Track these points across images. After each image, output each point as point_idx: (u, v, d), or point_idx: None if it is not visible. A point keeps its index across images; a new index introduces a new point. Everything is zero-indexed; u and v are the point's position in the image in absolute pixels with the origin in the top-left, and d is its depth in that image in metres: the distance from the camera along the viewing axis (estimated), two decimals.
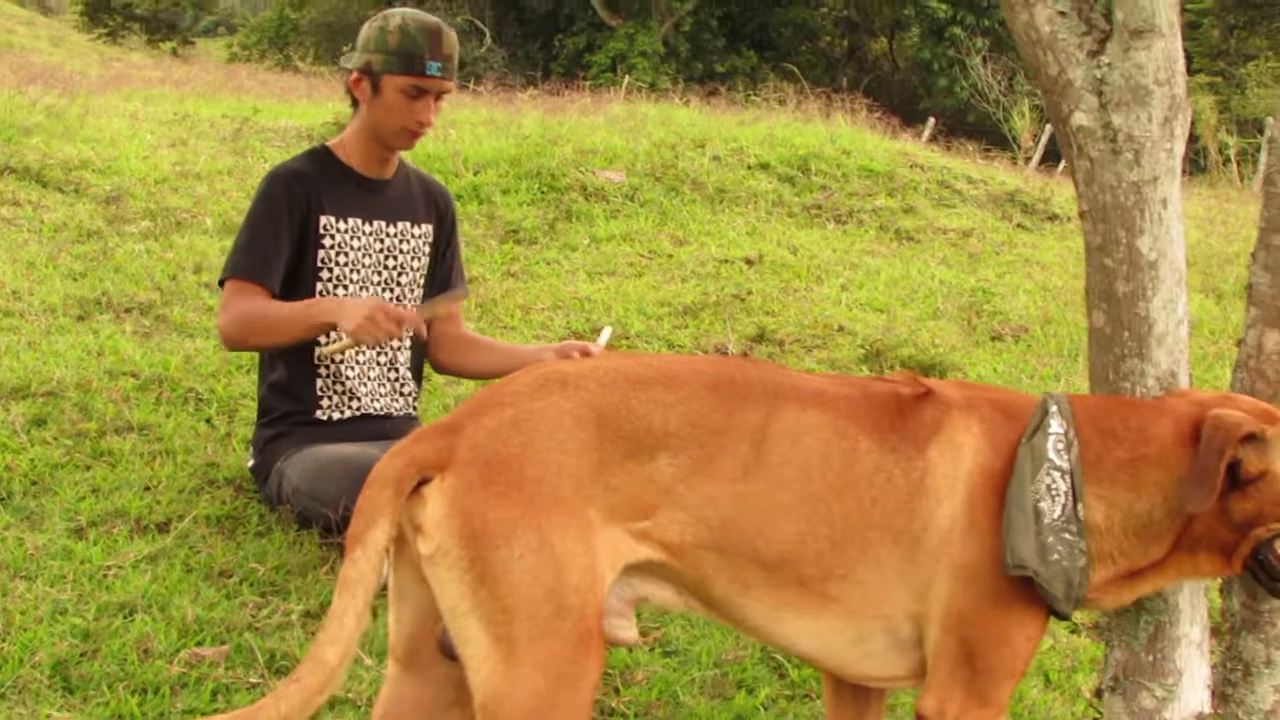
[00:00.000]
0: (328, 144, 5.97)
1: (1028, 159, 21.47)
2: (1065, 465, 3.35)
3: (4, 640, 4.53)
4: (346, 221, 5.79)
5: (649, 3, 44.99)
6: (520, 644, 3.04)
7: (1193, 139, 24.36)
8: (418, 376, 6.13)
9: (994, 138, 25.55)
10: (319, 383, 5.78)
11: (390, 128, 5.75)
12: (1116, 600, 3.53)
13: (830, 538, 3.31)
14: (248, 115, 13.72)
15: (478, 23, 43.69)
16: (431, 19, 5.73)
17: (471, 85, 23.06)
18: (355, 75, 5.75)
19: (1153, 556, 3.45)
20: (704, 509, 3.27)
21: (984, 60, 31.73)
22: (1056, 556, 3.28)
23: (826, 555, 3.32)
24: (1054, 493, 3.31)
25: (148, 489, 5.79)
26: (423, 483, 3.14)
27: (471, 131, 13.54)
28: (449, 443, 3.16)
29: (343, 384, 5.81)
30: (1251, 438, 3.33)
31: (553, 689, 3.06)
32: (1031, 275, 11.20)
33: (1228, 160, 22.87)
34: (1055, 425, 3.39)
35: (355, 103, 5.84)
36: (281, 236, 5.63)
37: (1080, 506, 3.35)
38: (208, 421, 6.58)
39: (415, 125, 5.74)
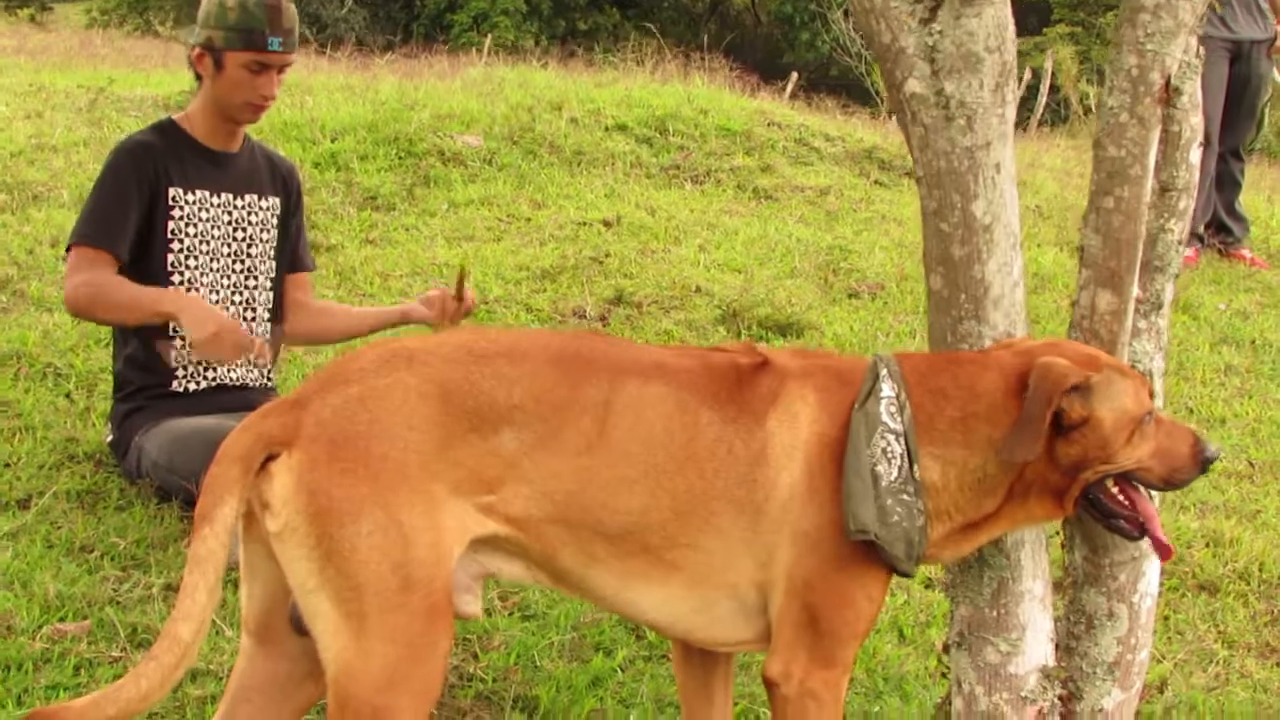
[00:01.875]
0: (173, 117, 5.97)
1: (890, 113, 21.53)
2: (899, 428, 3.42)
3: None
4: (195, 193, 5.79)
5: None
6: (370, 619, 3.09)
7: (1053, 89, 24.56)
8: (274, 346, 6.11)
9: (857, 92, 25.65)
10: (173, 354, 5.76)
11: (234, 103, 5.76)
12: (956, 553, 3.62)
13: (674, 509, 3.37)
14: (103, 86, 13.50)
15: None
16: None
17: (329, 50, 22.83)
18: (198, 51, 5.74)
19: (987, 509, 3.54)
20: (548, 483, 3.31)
21: (845, 13, 31.72)
22: (896, 518, 3.36)
23: (670, 526, 3.38)
24: (889, 455, 3.39)
25: (7, 465, 5.78)
26: (270, 458, 3.18)
27: (328, 98, 13.42)
28: (295, 418, 3.19)
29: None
30: (1076, 388, 3.43)
31: (403, 661, 3.11)
32: (888, 232, 11.25)
33: (1088, 110, 22.99)
34: (886, 389, 3.46)
35: (199, 76, 5.83)
36: (129, 207, 5.63)
37: (916, 467, 3.43)
38: (67, 396, 6.55)
39: (259, 100, 5.77)
